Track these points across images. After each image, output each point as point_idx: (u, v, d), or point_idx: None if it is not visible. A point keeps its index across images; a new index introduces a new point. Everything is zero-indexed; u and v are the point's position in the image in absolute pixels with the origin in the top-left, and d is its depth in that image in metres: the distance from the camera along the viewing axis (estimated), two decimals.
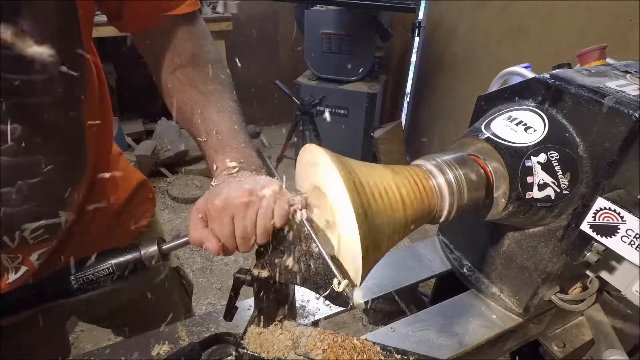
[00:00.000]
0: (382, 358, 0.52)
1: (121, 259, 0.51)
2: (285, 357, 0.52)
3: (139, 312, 0.84)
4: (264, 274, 0.51)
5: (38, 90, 0.43)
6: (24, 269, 0.54)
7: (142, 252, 0.51)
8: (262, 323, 0.55)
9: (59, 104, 0.46)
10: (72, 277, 0.50)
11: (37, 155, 0.46)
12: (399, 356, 0.53)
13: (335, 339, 0.54)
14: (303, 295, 0.72)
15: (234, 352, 0.56)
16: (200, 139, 0.58)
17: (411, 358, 0.54)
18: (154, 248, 0.52)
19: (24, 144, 0.44)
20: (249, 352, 0.53)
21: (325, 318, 0.70)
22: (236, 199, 0.47)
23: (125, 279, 0.51)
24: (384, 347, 0.54)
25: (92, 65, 0.57)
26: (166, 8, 0.55)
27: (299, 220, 0.49)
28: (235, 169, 0.54)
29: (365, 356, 0.52)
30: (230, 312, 0.56)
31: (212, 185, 0.54)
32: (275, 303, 0.55)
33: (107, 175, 0.66)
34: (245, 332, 0.55)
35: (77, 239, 0.64)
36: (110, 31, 0.73)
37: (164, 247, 0.52)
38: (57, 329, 0.78)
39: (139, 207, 0.78)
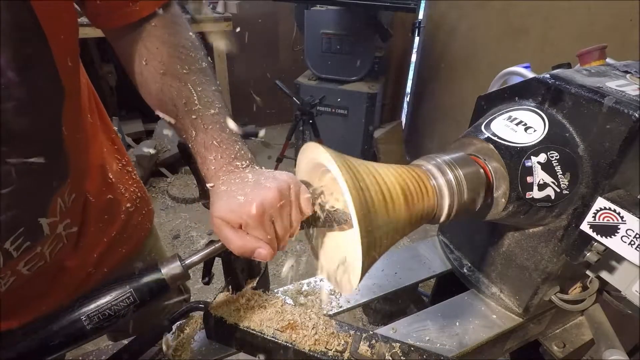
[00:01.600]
0: (334, 332, 0.56)
1: (141, 282, 0.44)
2: (242, 322, 0.56)
3: (132, 321, 0.81)
4: None
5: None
6: (11, 279, 0.51)
7: (163, 271, 0.46)
8: (229, 291, 0.60)
9: (23, 110, 0.42)
10: (84, 318, 0.41)
11: (6, 164, 0.43)
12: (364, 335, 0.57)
13: (293, 313, 0.58)
14: None
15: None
16: (186, 135, 0.54)
17: (395, 345, 0.56)
18: (175, 264, 0.46)
19: None
20: (213, 316, 0.57)
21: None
22: (271, 202, 0.47)
23: (146, 306, 0.45)
24: (358, 329, 0.57)
25: (78, 71, 0.54)
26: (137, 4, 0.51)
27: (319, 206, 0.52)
28: (243, 166, 0.52)
29: (318, 329, 0.56)
30: (206, 278, 0.57)
31: (211, 187, 0.52)
32: (244, 273, 0.60)
33: (105, 193, 0.64)
34: (214, 299, 0.60)
35: (81, 254, 0.63)
36: None
37: (187, 262, 0.47)
38: None
39: (137, 226, 0.76)
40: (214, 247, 0.50)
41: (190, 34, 0.56)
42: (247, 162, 0.53)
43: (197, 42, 0.56)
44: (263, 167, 0.55)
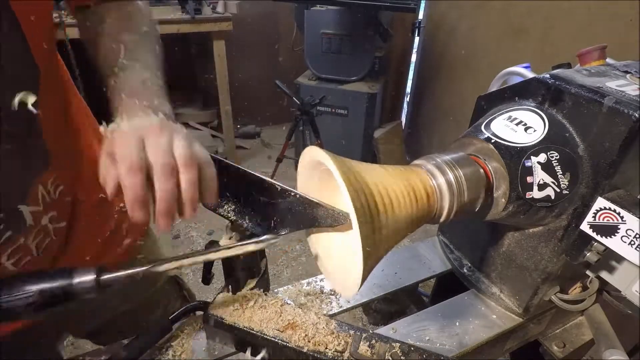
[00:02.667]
0: (334, 331, 0.56)
1: (48, 285, 0.41)
2: (242, 322, 0.56)
3: (133, 326, 0.80)
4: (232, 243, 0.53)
5: None
6: None
7: (74, 281, 0.42)
8: (230, 292, 0.60)
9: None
10: None
11: None
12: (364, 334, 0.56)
13: (294, 314, 0.58)
14: None
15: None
16: (108, 84, 0.52)
17: (395, 345, 0.55)
18: (90, 277, 0.43)
19: None
20: (213, 316, 0.57)
21: None
22: (150, 125, 0.42)
23: (44, 311, 0.42)
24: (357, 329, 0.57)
25: (55, 55, 0.55)
26: None
27: None
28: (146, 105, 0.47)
29: (318, 329, 0.56)
30: (206, 278, 0.58)
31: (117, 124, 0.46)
32: (244, 273, 0.59)
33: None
34: (214, 299, 0.60)
35: (73, 252, 0.63)
36: None
37: (103, 277, 0.44)
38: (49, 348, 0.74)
39: (132, 227, 0.75)
40: (139, 269, 0.46)
41: (139, 2, 0.60)
42: (161, 114, 0.48)
43: (147, 10, 0.61)
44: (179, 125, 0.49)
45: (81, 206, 0.63)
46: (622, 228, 0.50)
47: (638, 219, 0.48)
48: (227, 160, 0.53)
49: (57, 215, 0.57)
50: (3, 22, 0.41)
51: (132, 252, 0.76)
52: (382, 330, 0.67)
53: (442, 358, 0.55)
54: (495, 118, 0.59)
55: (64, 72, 0.62)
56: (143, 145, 0.41)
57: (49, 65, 0.51)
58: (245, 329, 0.56)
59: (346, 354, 0.54)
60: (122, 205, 0.71)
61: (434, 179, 0.51)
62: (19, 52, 0.44)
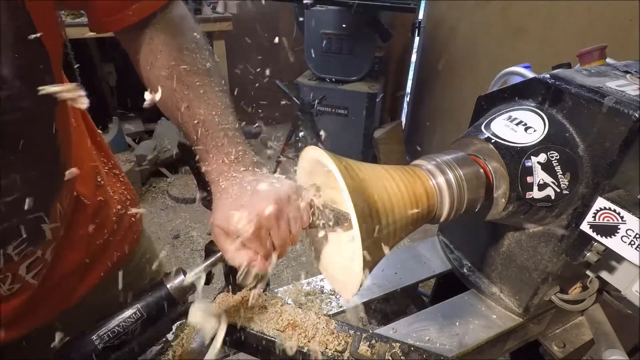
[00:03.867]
0: (334, 331, 0.56)
1: (148, 299, 0.47)
2: (242, 322, 0.57)
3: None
4: None
5: (4, 108, 0.39)
6: (17, 285, 0.52)
7: (168, 286, 0.48)
8: (229, 291, 0.61)
9: (29, 119, 0.43)
10: (94, 337, 0.44)
11: (12, 174, 0.43)
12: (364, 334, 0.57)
13: (293, 314, 0.58)
14: None
15: None
16: (189, 138, 0.54)
17: (395, 344, 0.56)
18: (180, 279, 0.49)
19: None
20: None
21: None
22: (268, 216, 0.47)
23: (155, 322, 0.48)
24: (357, 329, 0.57)
25: (61, 70, 0.53)
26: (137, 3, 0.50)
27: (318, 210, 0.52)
28: (243, 171, 0.52)
29: (318, 329, 0.56)
30: (207, 278, 0.58)
31: (219, 196, 0.52)
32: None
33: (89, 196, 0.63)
34: (214, 299, 0.61)
35: (71, 254, 0.63)
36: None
37: (191, 275, 0.50)
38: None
39: (129, 229, 0.75)
40: (215, 257, 0.51)
41: (195, 34, 0.55)
42: (249, 165, 0.53)
43: (202, 42, 0.56)
44: (265, 170, 0.55)
45: (81, 211, 0.63)
46: (622, 228, 0.50)
47: (638, 219, 0.48)
48: None
49: (62, 225, 0.58)
50: (34, 50, 0.41)
51: (129, 254, 0.76)
52: (382, 330, 0.67)
53: (442, 358, 0.55)
54: (495, 118, 0.59)
55: (65, 78, 0.61)
56: (269, 234, 0.48)
57: (60, 80, 0.50)
58: (245, 329, 0.56)
59: (346, 354, 0.54)
60: (119, 207, 0.71)
61: (434, 179, 0.51)
62: (48, 78, 0.44)
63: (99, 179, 0.67)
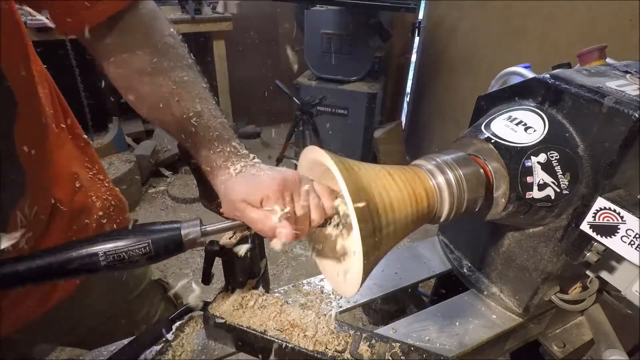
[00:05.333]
0: (334, 331, 0.56)
1: (159, 235, 0.45)
2: (242, 322, 0.57)
3: (115, 330, 0.75)
4: (230, 244, 0.55)
5: None
6: None
7: (182, 232, 0.47)
8: (229, 291, 0.61)
9: None
10: (100, 253, 0.43)
11: None
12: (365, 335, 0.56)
13: (293, 314, 0.58)
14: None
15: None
16: (184, 133, 0.53)
17: (395, 345, 0.56)
18: (195, 229, 0.47)
19: None
20: (213, 316, 0.57)
21: None
22: (293, 180, 0.48)
23: (158, 259, 0.46)
24: (357, 329, 0.57)
25: (33, 81, 0.51)
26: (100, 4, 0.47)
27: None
28: (251, 158, 0.54)
29: (318, 329, 0.56)
30: (206, 278, 0.59)
31: (233, 174, 0.52)
32: (243, 274, 0.60)
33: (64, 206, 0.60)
34: (214, 299, 0.60)
35: None
36: None
37: (207, 228, 0.48)
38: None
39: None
40: (235, 222, 0.51)
41: (172, 30, 0.53)
42: (253, 155, 0.55)
43: (179, 39, 0.54)
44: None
45: (57, 217, 0.61)
46: (622, 228, 0.50)
47: (638, 219, 0.48)
48: None
49: (33, 235, 0.56)
50: None
51: None
52: (382, 330, 0.67)
53: (442, 358, 0.55)
54: (495, 118, 0.59)
55: (44, 86, 0.58)
56: (292, 199, 0.49)
57: (27, 90, 0.49)
58: (245, 329, 0.56)
59: (346, 354, 0.54)
60: (101, 213, 0.69)
61: (433, 179, 0.51)
62: None
63: (78, 185, 0.65)
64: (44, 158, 0.57)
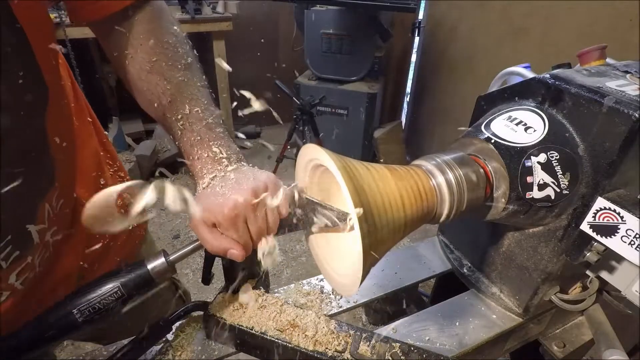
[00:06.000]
0: (334, 331, 0.56)
1: (127, 277, 0.46)
2: (242, 322, 0.57)
3: (130, 327, 0.77)
4: None
5: None
6: (5, 294, 0.50)
7: (149, 267, 0.48)
8: (230, 292, 0.61)
9: (11, 112, 0.41)
10: (75, 311, 0.44)
11: None
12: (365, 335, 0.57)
13: (293, 314, 0.58)
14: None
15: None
16: (173, 133, 0.54)
17: (395, 344, 0.56)
18: (160, 260, 0.48)
19: None
20: (214, 316, 0.58)
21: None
22: (244, 203, 0.48)
23: (133, 300, 0.47)
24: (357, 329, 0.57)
25: (58, 69, 0.52)
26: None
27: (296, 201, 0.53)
28: (226, 165, 0.53)
29: (318, 329, 0.56)
30: (206, 278, 0.60)
31: (202, 188, 0.52)
32: (243, 274, 0.61)
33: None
34: (214, 299, 0.61)
35: (69, 261, 0.61)
36: None
37: (170, 258, 0.49)
38: None
39: (131, 233, 0.74)
40: (195, 244, 0.51)
41: (175, 28, 0.55)
42: (233, 160, 0.54)
43: (182, 36, 0.55)
44: (252, 165, 0.55)
45: (79, 214, 0.62)
46: (622, 228, 0.50)
47: (638, 219, 0.48)
48: None
49: (57, 229, 0.56)
50: (11, 38, 0.39)
51: (131, 258, 0.75)
52: (382, 330, 0.67)
53: (442, 358, 0.55)
54: (495, 118, 0.59)
55: (67, 79, 0.60)
56: (246, 224, 0.49)
57: (56, 80, 0.50)
58: (245, 329, 0.56)
59: (346, 354, 0.54)
60: (122, 211, 0.70)
61: (433, 179, 0.51)
62: (31, 74, 0.43)
63: (102, 182, 0.66)
64: (72, 151, 0.58)
